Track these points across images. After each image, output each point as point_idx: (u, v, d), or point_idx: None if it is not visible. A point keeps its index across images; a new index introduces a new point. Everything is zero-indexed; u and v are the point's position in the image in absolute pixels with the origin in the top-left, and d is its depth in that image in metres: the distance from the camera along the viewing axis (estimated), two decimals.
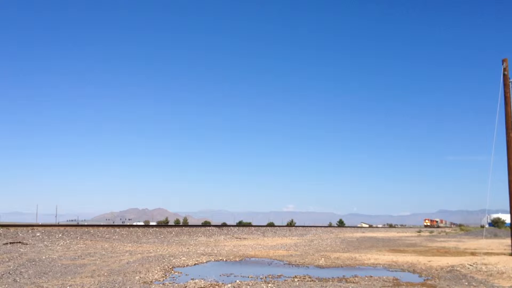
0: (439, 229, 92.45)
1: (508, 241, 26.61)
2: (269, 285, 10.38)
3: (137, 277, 11.36)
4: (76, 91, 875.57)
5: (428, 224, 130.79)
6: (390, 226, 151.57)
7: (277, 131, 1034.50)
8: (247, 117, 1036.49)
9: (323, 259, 17.59)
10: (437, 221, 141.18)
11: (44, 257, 15.20)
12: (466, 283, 11.34)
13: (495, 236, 44.94)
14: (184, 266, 14.37)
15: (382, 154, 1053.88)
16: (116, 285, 10.15)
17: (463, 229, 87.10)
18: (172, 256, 17.17)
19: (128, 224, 62.62)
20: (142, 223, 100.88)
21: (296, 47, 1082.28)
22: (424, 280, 12.05)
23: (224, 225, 62.72)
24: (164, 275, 11.99)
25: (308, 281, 11.24)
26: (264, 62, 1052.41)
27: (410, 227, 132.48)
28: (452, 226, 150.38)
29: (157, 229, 34.48)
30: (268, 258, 17.85)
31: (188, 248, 22.45)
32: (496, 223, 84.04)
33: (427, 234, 59.03)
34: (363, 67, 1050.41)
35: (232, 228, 44.63)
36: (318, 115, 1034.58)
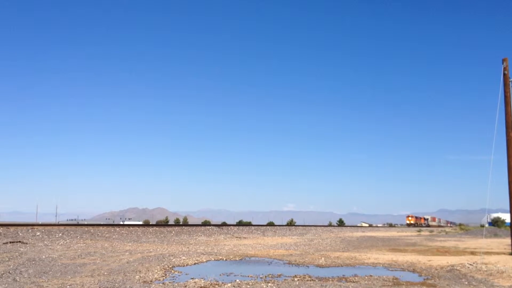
0: (439, 229, 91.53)
1: (508, 240, 26.61)
2: (269, 284, 10.37)
3: (137, 277, 11.35)
4: (76, 91, 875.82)
5: (412, 222, 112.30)
6: (390, 225, 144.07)
7: (277, 131, 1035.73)
8: (247, 117, 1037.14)
9: (323, 258, 17.58)
10: (426, 219, 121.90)
11: (44, 257, 15.19)
12: (466, 283, 11.33)
13: (495, 235, 44.93)
14: (184, 266, 14.36)
15: (382, 154, 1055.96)
16: (116, 284, 10.14)
17: (463, 228, 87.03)
18: (172, 255, 17.16)
19: (123, 223, 62.63)
20: (139, 223, 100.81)
21: (296, 47, 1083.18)
22: (424, 279, 12.04)
23: (224, 224, 62.66)
24: (164, 275, 11.98)
25: (308, 280, 11.23)
26: (265, 62, 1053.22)
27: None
28: (449, 225, 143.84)
29: (157, 228, 34.46)
30: (268, 258, 17.84)
31: (188, 247, 22.44)
32: (496, 223, 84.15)
33: (427, 233, 59.04)
34: (363, 67, 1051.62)
35: (232, 227, 44.60)
36: (318, 115, 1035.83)
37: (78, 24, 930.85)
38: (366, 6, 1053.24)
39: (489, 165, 20.01)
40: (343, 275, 12.40)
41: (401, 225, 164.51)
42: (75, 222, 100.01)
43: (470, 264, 14.95)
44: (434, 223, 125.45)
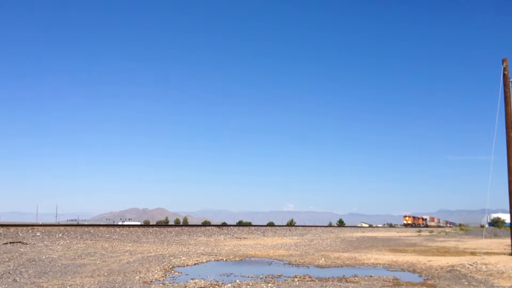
0: (439, 229, 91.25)
1: (508, 240, 26.60)
2: (269, 285, 10.37)
3: (137, 277, 11.35)
4: (76, 91, 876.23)
5: (409, 222, 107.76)
6: (390, 225, 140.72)
7: (277, 131, 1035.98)
8: (247, 117, 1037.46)
9: (323, 258, 17.58)
10: (424, 219, 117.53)
11: (44, 257, 15.20)
12: (466, 283, 11.33)
13: (495, 236, 44.90)
14: (184, 266, 14.36)
15: (382, 154, 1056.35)
16: (116, 285, 10.14)
17: (463, 228, 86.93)
18: (172, 256, 17.16)
19: (122, 224, 62.64)
20: (138, 223, 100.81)
21: (296, 47, 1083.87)
22: (424, 279, 12.05)
23: (224, 225, 62.67)
24: (164, 275, 11.99)
25: (308, 280, 11.23)
26: (264, 62, 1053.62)
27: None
28: (448, 225, 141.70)
29: (157, 229, 34.46)
30: (268, 258, 17.85)
31: (188, 248, 22.44)
32: (496, 223, 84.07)
33: (427, 234, 59.02)
34: (363, 67, 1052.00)
35: (232, 228, 44.60)
36: (318, 115, 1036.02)
37: (78, 24, 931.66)
38: (366, 6, 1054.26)
39: (489, 165, 20.01)
40: (343, 276, 12.40)
41: (401, 225, 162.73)
42: (75, 223, 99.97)
43: (470, 265, 14.95)
44: (433, 223, 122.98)
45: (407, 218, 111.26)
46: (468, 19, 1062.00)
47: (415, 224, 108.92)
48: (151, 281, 10.80)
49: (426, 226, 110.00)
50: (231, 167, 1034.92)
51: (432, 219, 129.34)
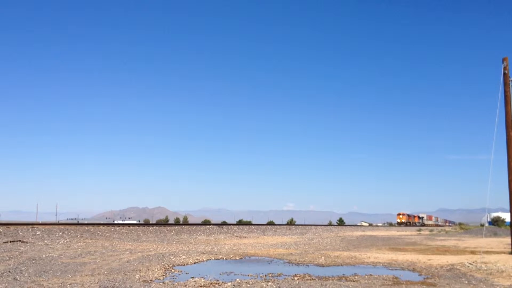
0: (439, 228, 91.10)
1: (508, 239, 26.61)
2: (269, 283, 10.37)
3: (137, 276, 11.36)
4: (77, 91, 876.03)
5: (403, 221, 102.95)
6: (390, 224, 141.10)
7: (277, 131, 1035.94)
8: (247, 117, 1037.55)
9: (323, 257, 17.59)
10: (421, 217, 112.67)
11: (44, 256, 15.21)
12: (466, 282, 11.34)
13: (495, 235, 44.93)
14: (184, 265, 14.37)
15: (382, 153, 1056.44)
16: (116, 283, 10.15)
17: (463, 227, 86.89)
18: (172, 254, 17.17)
19: (122, 222, 62.65)
20: (134, 222, 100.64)
21: (297, 47, 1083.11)
22: (424, 278, 12.05)
23: (224, 223, 62.70)
24: (164, 274, 11.99)
25: (308, 279, 11.24)
26: (265, 62, 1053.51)
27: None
28: (447, 224, 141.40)
29: (157, 227, 34.47)
30: (268, 257, 17.85)
31: (188, 246, 22.45)
32: (496, 222, 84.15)
33: (427, 232, 59.02)
34: (362, 67, 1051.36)
35: (232, 226, 44.62)
36: (318, 114, 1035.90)
37: (78, 23, 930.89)
38: (366, 6, 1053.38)
39: (489, 164, 20.00)
40: (343, 274, 12.41)
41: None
42: (75, 221, 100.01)
43: (470, 263, 14.96)
44: (430, 222, 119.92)
45: (401, 216, 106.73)
46: (468, 19, 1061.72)
47: (410, 222, 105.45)
48: (151, 280, 10.81)
49: (423, 224, 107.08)
50: (231, 166, 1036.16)
51: (430, 218, 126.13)
